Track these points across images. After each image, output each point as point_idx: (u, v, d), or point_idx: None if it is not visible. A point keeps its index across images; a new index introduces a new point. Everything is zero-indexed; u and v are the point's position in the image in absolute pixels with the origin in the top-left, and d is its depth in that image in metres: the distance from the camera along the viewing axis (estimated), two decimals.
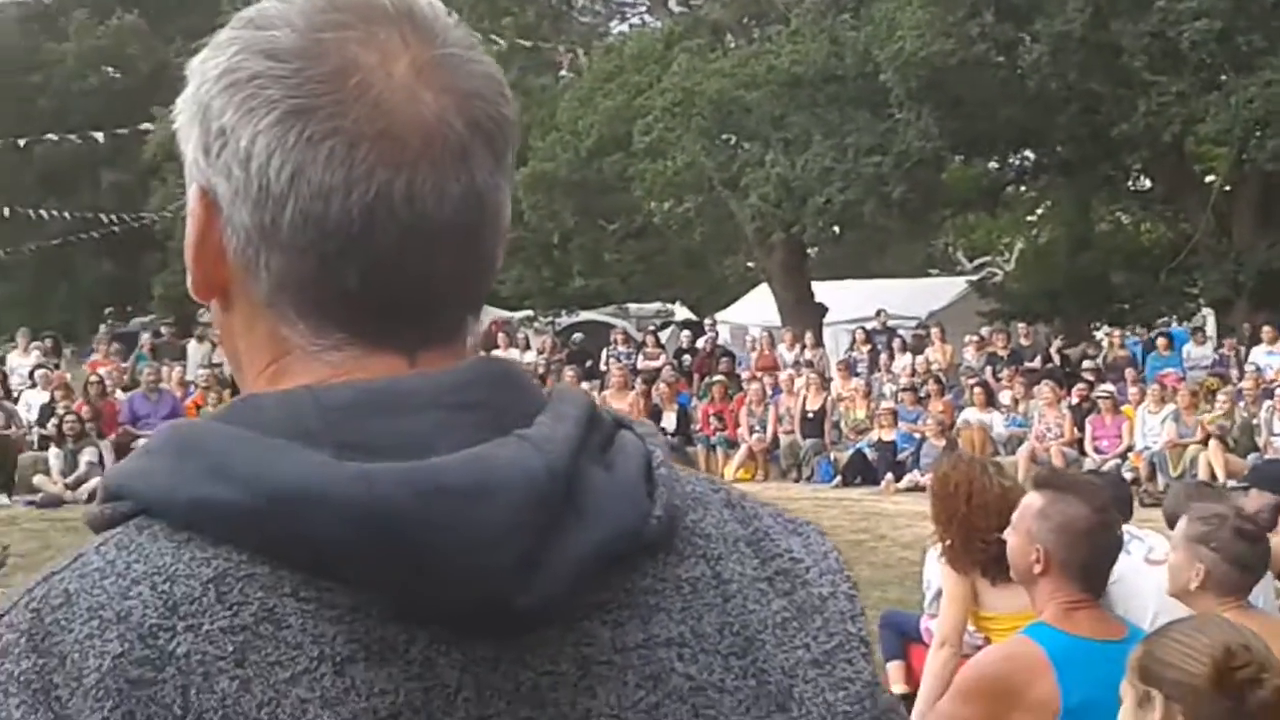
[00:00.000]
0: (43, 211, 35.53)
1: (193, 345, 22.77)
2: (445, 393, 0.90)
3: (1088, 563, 3.30)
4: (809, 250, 26.50)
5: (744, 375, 20.11)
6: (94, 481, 15.65)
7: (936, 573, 5.16)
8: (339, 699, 0.82)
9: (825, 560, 1.01)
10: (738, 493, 1.04)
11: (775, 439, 17.93)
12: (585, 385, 16.76)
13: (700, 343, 22.73)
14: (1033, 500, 3.41)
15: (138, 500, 0.89)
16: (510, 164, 0.97)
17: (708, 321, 25.07)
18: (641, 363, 21.56)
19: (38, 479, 15.87)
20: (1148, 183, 25.10)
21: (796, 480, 17.19)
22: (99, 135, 30.33)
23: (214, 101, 0.92)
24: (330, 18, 0.91)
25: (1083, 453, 16.10)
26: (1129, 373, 17.80)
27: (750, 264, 30.59)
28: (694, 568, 0.95)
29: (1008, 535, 3.46)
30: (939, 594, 5.09)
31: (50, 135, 30.87)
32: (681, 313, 32.74)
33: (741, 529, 0.99)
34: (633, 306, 32.49)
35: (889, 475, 16.34)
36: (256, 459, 0.85)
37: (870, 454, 16.96)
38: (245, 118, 0.90)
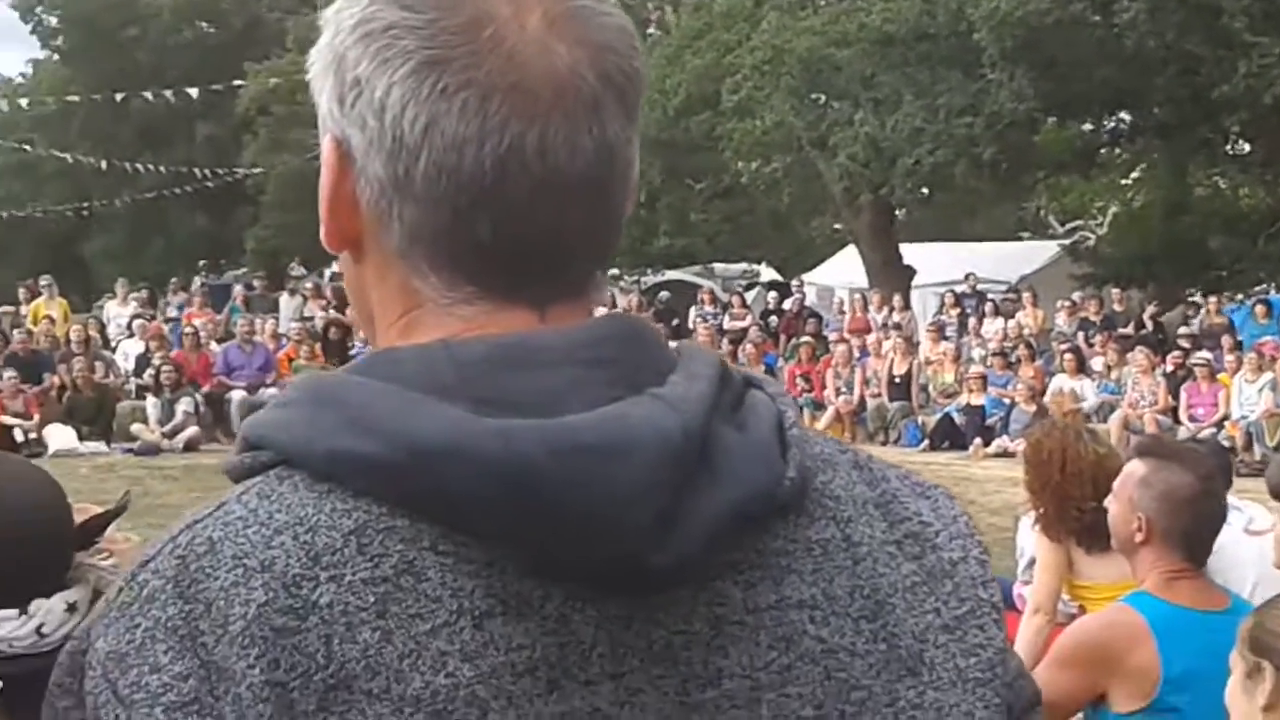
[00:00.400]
0: (139, 165, 36.14)
1: (284, 298, 23.07)
2: (578, 348, 0.90)
3: (1190, 531, 3.25)
4: (897, 212, 26.23)
5: (831, 337, 20.02)
6: (190, 430, 15.99)
7: (1030, 541, 5.10)
8: (478, 652, 0.83)
9: (955, 524, 1.00)
10: (865, 455, 1.03)
11: (862, 401, 17.85)
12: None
13: (787, 304, 22.64)
14: (1135, 468, 3.36)
15: (277, 450, 0.90)
16: (638, 116, 0.96)
17: (794, 283, 24.94)
18: (728, 323, 21.54)
19: (135, 427, 16.20)
20: (1246, 146, 24.53)
21: (883, 444, 17.10)
22: (193, 91, 30.70)
23: (349, 52, 0.92)
24: None
25: (1177, 421, 15.85)
26: (1225, 340, 17.47)
27: (837, 225, 30.36)
28: (824, 530, 0.94)
29: (1108, 504, 3.42)
30: (1032, 562, 5.04)
31: (145, 93, 31.31)
32: (767, 273, 32.58)
33: (870, 491, 0.99)
34: (718, 266, 32.38)
35: (977, 440, 16.21)
36: (396, 413, 0.85)
37: (958, 418, 16.83)
38: (380, 68, 0.90)
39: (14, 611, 1.56)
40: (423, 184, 0.90)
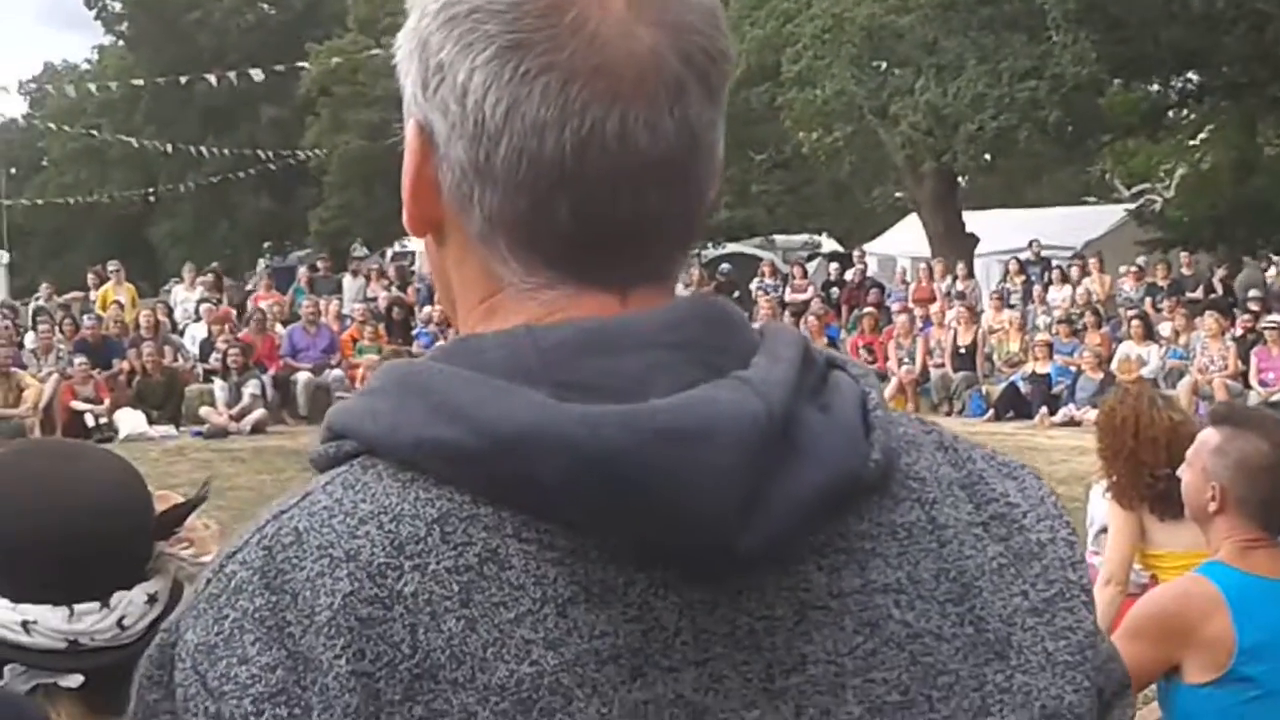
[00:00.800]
0: (203, 149, 36.48)
1: (347, 279, 23.22)
2: (660, 331, 0.89)
3: (1267, 500, 3.21)
4: (960, 179, 25.99)
5: (893, 307, 19.89)
6: (257, 413, 16.17)
7: (1101, 509, 5.06)
8: (561, 640, 0.83)
9: (1042, 505, 0.99)
10: (950, 435, 1.02)
11: (925, 371, 17.73)
12: None
13: (849, 275, 22.52)
14: (1209, 436, 3.31)
15: (361, 439, 0.90)
16: (724, 99, 0.95)
17: (856, 253, 24.79)
18: (789, 295, 21.46)
19: (203, 410, 16.36)
20: None
21: (948, 414, 16.98)
22: (256, 72, 30.93)
23: (432, 37, 0.92)
24: None
25: (1247, 386, 15.62)
26: None
27: (899, 194, 30.11)
28: (909, 512, 0.93)
29: (1182, 472, 3.38)
30: (1103, 530, 5.00)
31: (209, 76, 31.58)
32: (828, 244, 32.41)
33: (955, 472, 0.97)
34: (779, 238, 32.26)
35: (1043, 409, 16.07)
36: (480, 400, 0.85)
37: (1024, 387, 16.68)
38: (463, 53, 0.90)
39: (95, 604, 1.56)
40: (503, 169, 0.90)
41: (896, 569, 0.91)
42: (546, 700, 0.82)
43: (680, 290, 0.99)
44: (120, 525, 1.58)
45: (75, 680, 1.55)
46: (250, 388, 16.50)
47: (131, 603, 1.58)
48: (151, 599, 1.60)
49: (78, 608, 1.55)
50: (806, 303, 20.31)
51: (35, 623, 1.54)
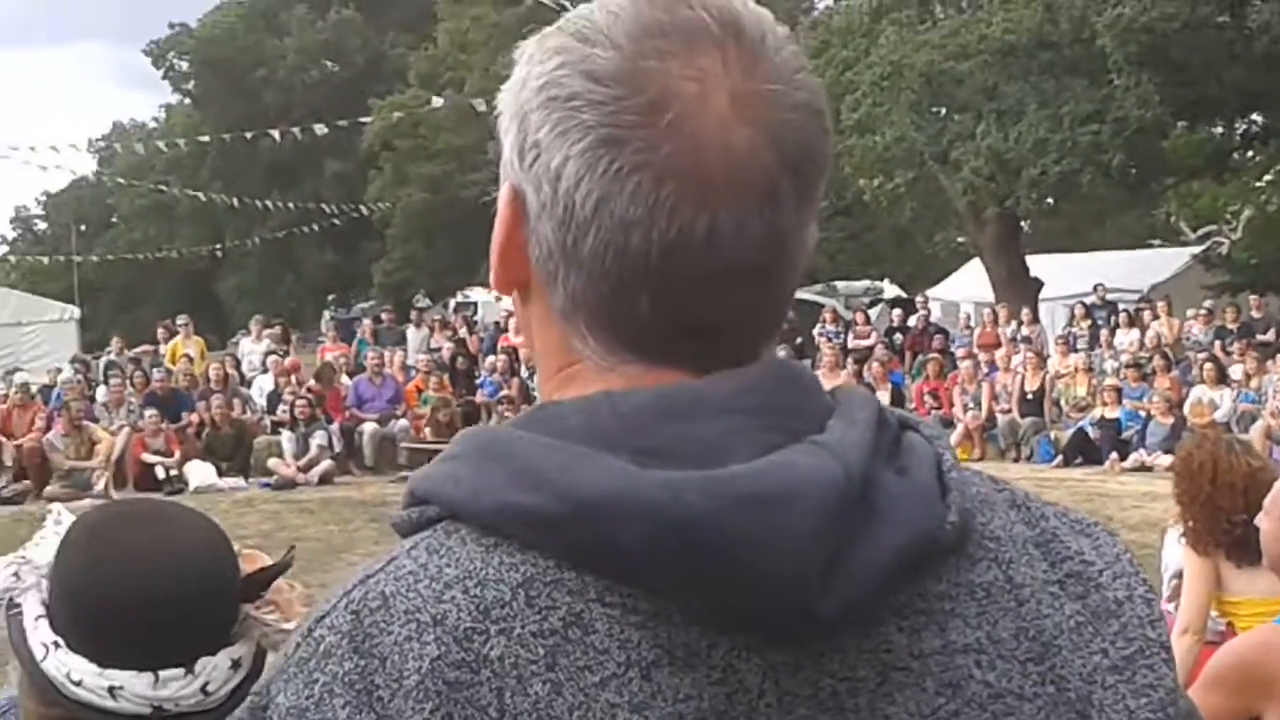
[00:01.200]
0: (268, 203, 36.99)
1: (411, 331, 23.41)
2: (735, 396, 0.90)
3: None
4: (1023, 224, 25.83)
5: (958, 353, 19.75)
6: (325, 464, 16.28)
7: (1177, 555, 4.99)
8: (646, 703, 0.84)
9: (1118, 562, 0.99)
10: (1022, 493, 1.02)
11: (991, 417, 17.57)
12: None
13: (912, 320, 22.40)
14: None
15: (444, 505, 0.91)
16: (819, 197, 0.95)
17: (919, 299, 24.66)
18: (852, 341, 21.36)
19: (272, 462, 16.50)
20: None
21: (1015, 459, 16.81)
22: (320, 127, 31.37)
23: (532, 114, 0.93)
24: (655, 44, 0.90)
25: None
26: None
27: (961, 239, 29.98)
28: (986, 572, 0.93)
29: (1260, 520, 3.33)
30: (1177, 575, 4.93)
31: (274, 132, 32.07)
32: (890, 290, 32.29)
33: (1029, 530, 0.98)
34: (841, 284, 32.18)
35: (1113, 454, 15.86)
36: (561, 467, 0.86)
37: (1093, 432, 16.48)
38: (559, 139, 0.91)
39: (180, 670, 1.56)
40: (589, 256, 0.91)
41: (976, 629, 0.91)
42: None
43: None
44: (206, 590, 1.58)
45: None
46: (317, 439, 16.62)
47: (216, 668, 1.58)
48: (235, 664, 1.60)
49: (163, 673, 1.55)
50: (870, 349, 20.22)
51: (121, 688, 1.55)
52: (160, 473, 15.88)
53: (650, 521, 0.83)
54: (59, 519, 1.71)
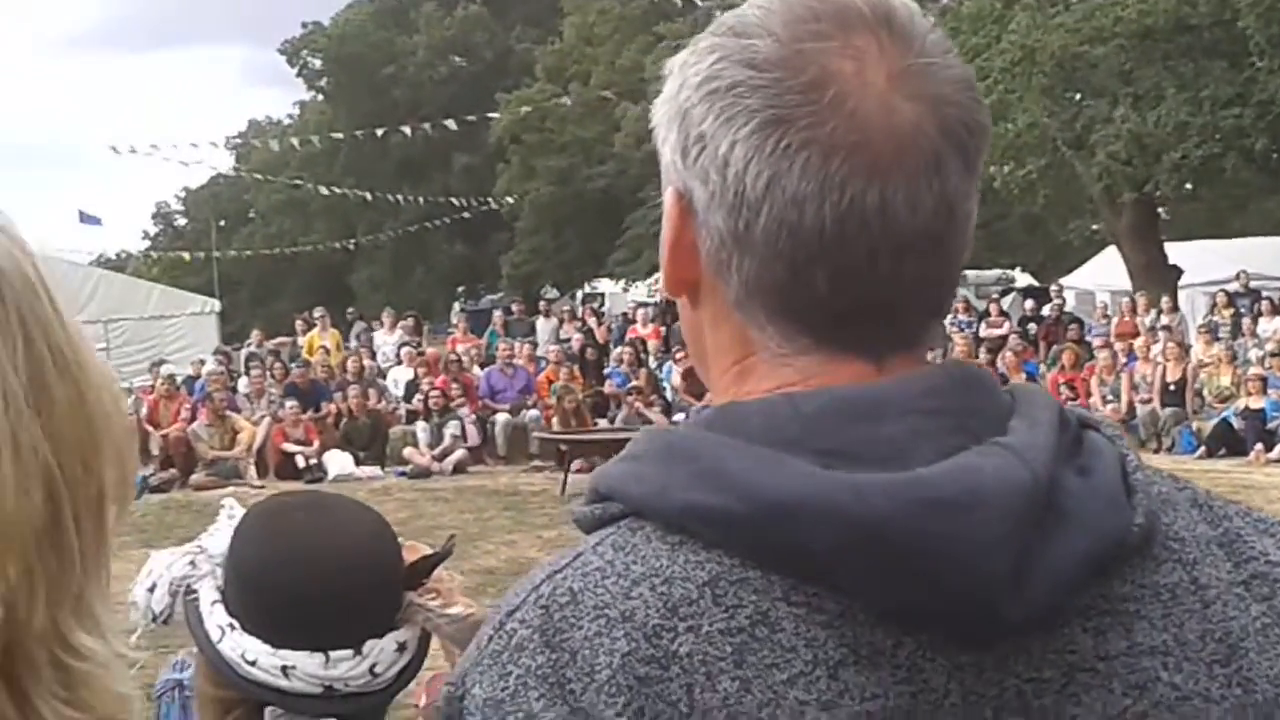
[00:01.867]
0: (399, 197, 37.57)
1: (541, 321, 23.62)
2: (918, 398, 0.91)
3: None
4: (1160, 210, 25.22)
5: (1095, 343, 19.36)
6: (459, 453, 16.51)
7: None
8: (834, 702, 0.85)
9: None
10: (1204, 492, 1.01)
11: (1131, 408, 17.20)
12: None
13: (1046, 309, 22.01)
14: None
15: (628, 502, 0.93)
16: (980, 168, 0.97)
17: (1053, 287, 24.22)
18: (984, 330, 21.07)
19: (407, 451, 16.76)
20: None
21: (1156, 451, 16.41)
22: (449, 122, 31.78)
23: (694, 109, 0.94)
24: (810, 28, 0.92)
25: None
26: None
27: (1096, 226, 29.36)
28: (1170, 573, 0.93)
29: None
30: None
31: (404, 128, 32.57)
32: (1022, 279, 31.77)
33: (1211, 530, 0.97)
34: (971, 273, 31.69)
35: (1258, 445, 15.43)
36: (747, 469, 0.87)
37: (1236, 423, 16.03)
38: (724, 126, 0.92)
39: (349, 651, 1.62)
40: (763, 238, 0.92)
41: (1162, 631, 0.91)
42: None
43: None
44: (373, 576, 1.65)
45: None
46: (451, 429, 16.87)
47: (383, 650, 1.64)
48: (401, 647, 1.66)
49: (333, 654, 1.61)
50: (1003, 338, 19.92)
51: (294, 668, 1.61)
52: (300, 462, 16.23)
53: (836, 524, 0.84)
54: (231, 511, 1.79)
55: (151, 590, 1.74)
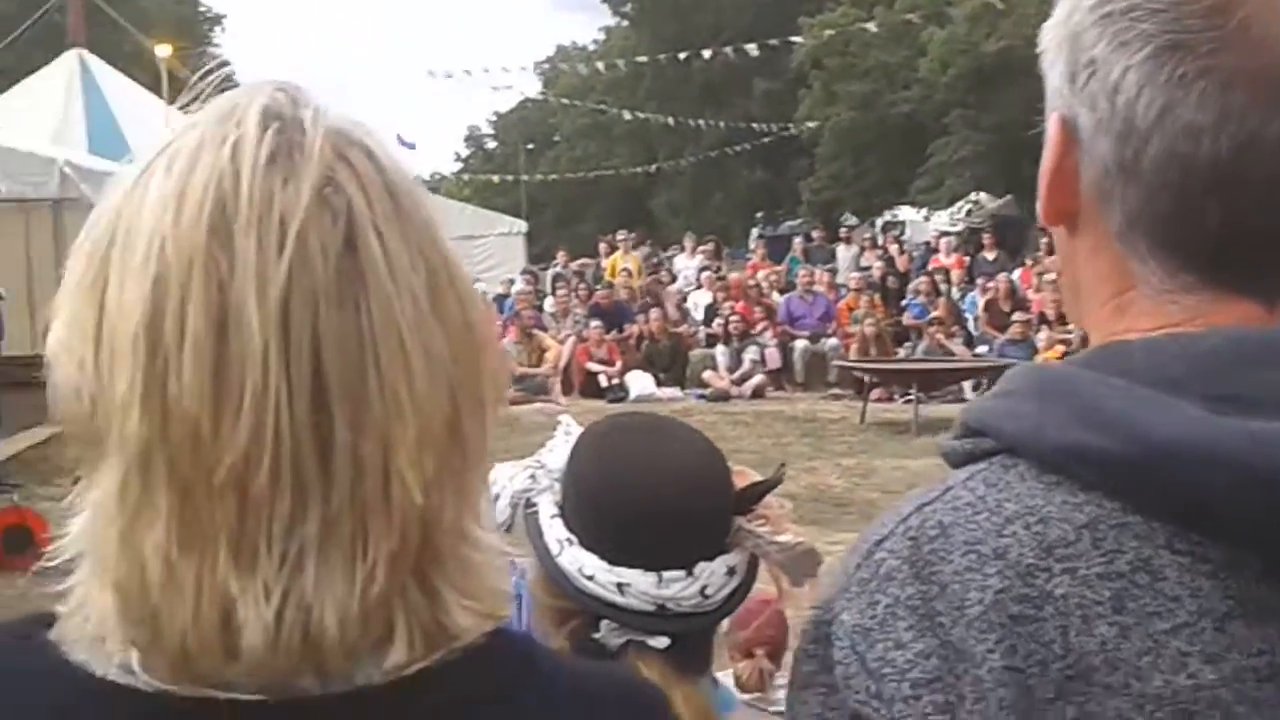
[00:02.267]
0: (701, 122, 37.76)
1: (841, 249, 23.41)
2: None
3: None
4: None
5: None
6: (757, 378, 16.61)
7: None
8: (1219, 655, 0.82)
9: None
10: None
11: None
12: None
13: None
14: None
15: (1000, 439, 0.92)
16: None
17: None
18: None
19: (706, 374, 16.92)
20: None
21: None
22: (751, 47, 31.65)
23: (1086, 32, 0.92)
24: None
25: None
26: None
27: None
28: None
29: None
30: None
31: (706, 52, 32.63)
32: None
33: None
34: None
35: None
36: (1130, 409, 0.85)
37: None
38: (1117, 51, 0.89)
39: (681, 572, 1.64)
40: (1150, 169, 0.89)
41: None
42: (1205, 714, 0.82)
43: None
44: (705, 499, 1.67)
45: (662, 642, 1.65)
46: (750, 353, 16.95)
47: (713, 573, 1.66)
48: (731, 571, 1.68)
49: (665, 574, 1.65)
50: None
51: (629, 585, 1.65)
52: (603, 381, 16.61)
53: (1232, 472, 0.81)
54: (569, 428, 1.84)
55: (495, 500, 1.81)
